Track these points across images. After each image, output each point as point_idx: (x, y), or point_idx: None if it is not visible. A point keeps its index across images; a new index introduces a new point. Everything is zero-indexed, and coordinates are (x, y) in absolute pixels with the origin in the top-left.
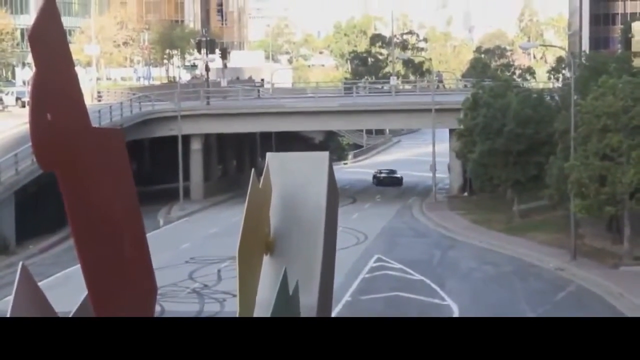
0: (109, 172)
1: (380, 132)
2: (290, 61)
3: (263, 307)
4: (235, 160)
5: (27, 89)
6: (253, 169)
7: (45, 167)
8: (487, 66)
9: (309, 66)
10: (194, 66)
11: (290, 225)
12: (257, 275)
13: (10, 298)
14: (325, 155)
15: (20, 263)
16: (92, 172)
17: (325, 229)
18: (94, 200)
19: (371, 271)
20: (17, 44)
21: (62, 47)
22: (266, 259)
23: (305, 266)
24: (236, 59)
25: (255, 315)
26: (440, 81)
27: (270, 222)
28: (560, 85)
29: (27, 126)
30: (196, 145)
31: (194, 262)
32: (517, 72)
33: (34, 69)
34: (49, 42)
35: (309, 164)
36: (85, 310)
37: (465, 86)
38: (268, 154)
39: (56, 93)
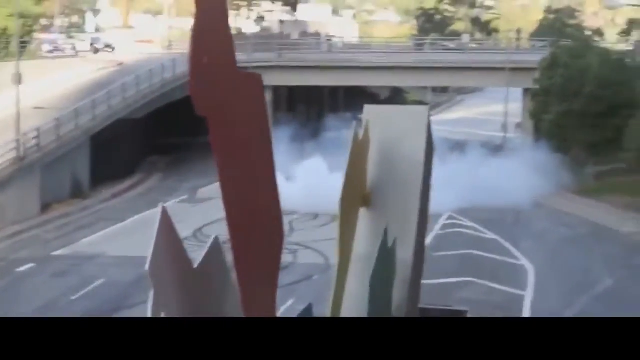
0: (251, 116)
1: (444, 90)
2: (355, 16)
3: (360, 260)
4: (304, 113)
5: (96, 35)
6: (355, 122)
7: (201, 110)
8: (566, 26)
9: (373, 22)
10: (262, 19)
11: (388, 179)
12: (355, 227)
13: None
14: (424, 109)
15: (161, 205)
16: (238, 115)
17: (423, 184)
18: (239, 144)
19: (444, 228)
20: None
21: None
22: (362, 211)
23: (402, 221)
24: (302, 12)
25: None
26: (518, 39)
27: (368, 175)
28: (632, 47)
29: (105, 72)
30: (267, 97)
31: None
32: (587, 33)
33: (194, 14)
34: None
35: (408, 118)
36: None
37: (533, 46)
38: (366, 106)
39: (212, 38)
